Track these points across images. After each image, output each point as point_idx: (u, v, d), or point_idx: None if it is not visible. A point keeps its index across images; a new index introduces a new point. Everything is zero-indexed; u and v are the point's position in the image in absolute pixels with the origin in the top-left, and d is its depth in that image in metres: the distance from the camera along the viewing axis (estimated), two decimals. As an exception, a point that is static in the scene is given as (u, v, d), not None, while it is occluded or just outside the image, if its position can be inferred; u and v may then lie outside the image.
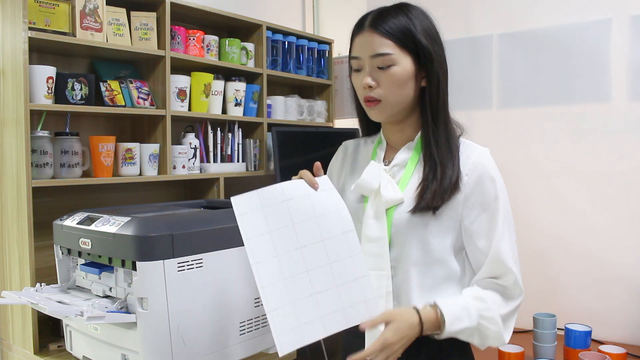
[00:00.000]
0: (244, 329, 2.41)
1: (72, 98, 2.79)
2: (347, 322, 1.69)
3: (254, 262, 1.69)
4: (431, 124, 1.83)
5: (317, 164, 1.79)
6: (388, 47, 1.77)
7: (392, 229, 1.78)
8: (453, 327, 1.70)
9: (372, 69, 1.79)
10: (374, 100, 1.81)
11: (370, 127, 2.02)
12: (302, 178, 1.77)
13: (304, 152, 3.77)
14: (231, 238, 2.33)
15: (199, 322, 2.24)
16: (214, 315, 2.29)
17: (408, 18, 1.80)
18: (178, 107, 3.26)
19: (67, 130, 2.86)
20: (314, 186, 1.74)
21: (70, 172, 2.77)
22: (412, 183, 1.82)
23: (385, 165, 1.90)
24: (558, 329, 2.85)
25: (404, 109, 1.84)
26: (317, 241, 1.70)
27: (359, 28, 1.83)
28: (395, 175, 1.85)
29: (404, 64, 1.78)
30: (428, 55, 1.80)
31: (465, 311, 1.71)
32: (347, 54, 1.93)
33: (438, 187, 1.76)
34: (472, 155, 1.83)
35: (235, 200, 1.73)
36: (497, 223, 1.78)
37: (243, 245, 2.20)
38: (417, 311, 1.69)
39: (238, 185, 3.71)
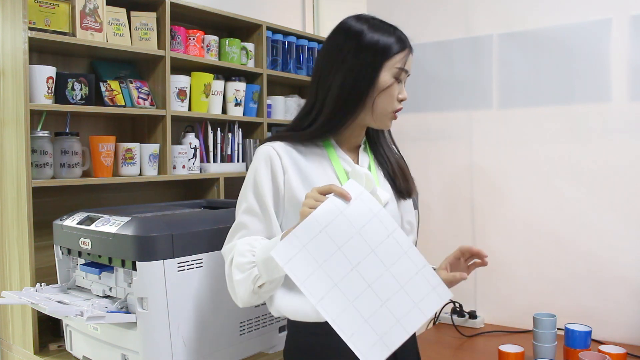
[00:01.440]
0: (244, 329, 2.40)
1: (72, 98, 2.79)
2: (425, 315, 1.68)
3: (316, 301, 1.63)
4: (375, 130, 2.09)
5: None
6: None
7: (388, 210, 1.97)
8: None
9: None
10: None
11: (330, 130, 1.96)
12: (331, 191, 1.66)
13: None
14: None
15: (199, 322, 2.24)
16: (214, 315, 2.28)
17: None
18: (178, 107, 3.27)
19: (67, 130, 2.86)
20: (347, 198, 1.64)
21: (70, 172, 2.77)
22: (380, 181, 2.03)
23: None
24: (558, 328, 2.84)
25: None
26: (368, 254, 1.66)
27: (410, 47, 1.92)
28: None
29: None
30: None
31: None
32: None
33: (402, 176, 2.06)
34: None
35: (275, 252, 1.64)
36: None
37: None
38: None
39: (238, 185, 3.68)
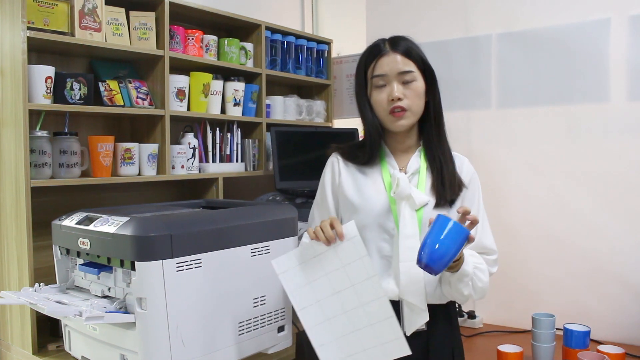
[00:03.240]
0: (243, 329, 2.40)
1: (71, 98, 2.79)
2: (386, 357, 1.95)
3: (299, 308, 2.01)
4: (435, 133, 2.24)
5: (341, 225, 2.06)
6: (410, 65, 2.18)
7: (422, 226, 2.12)
8: (466, 266, 2.06)
9: (399, 84, 2.17)
10: (402, 110, 2.17)
11: (374, 149, 2.28)
12: (331, 224, 1.99)
13: (303, 151, 3.77)
14: (230, 238, 2.33)
15: (198, 322, 2.23)
16: (213, 315, 2.28)
17: (415, 46, 2.21)
18: (177, 107, 3.27)
19: (66, 130, 2.86)
20: (341, 237, 1.97)
21: (69, 172, 2.78)
22: (427, 186, 2.20)
23: (402, 172, 2.23)
24: (557, 329, 2.84)
25: (416, 120, 2.23)
26: (348, 287, 1.97)
27: (379, 51, 2.20)
28: (411, 181, 2.20)
29: (421, 80, 2.20)
30: (433, 75, 2.22)
31: (468, 257, 2.09)
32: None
33: (450, 185, 2.17)
34: (464, 161, 2.29)
35: (275, 262, 2.03)
36: (484, 214, 2.27)
37: (242, 245, 2.36)
38: None
39: (237, 185, 3.71)
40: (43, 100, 2.67)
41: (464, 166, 2.27)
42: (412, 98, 2.18)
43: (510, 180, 3.38)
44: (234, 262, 2.35)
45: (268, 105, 3.94)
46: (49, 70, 2.69)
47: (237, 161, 3.68)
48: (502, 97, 3.41)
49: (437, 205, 2.17)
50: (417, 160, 2.25)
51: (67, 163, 2.77)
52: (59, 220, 2.44)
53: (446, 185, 2.18)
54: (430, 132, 2.25)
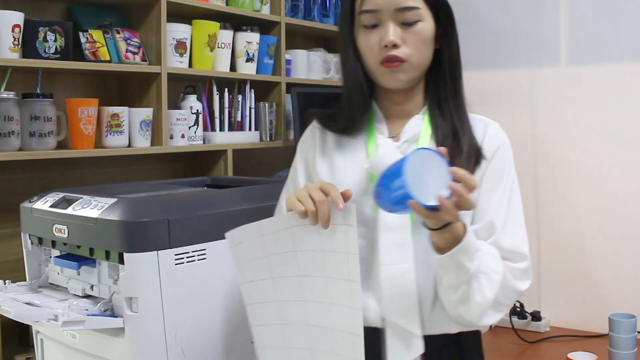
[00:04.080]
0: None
1: (45, 51, 2.79)
2: None
3: (243, 281, 1.89)
4: (448, 92, 1.96)
5: (349, 192, 1.77)
6: (415, 0, 1.88)
7: (415, 215, 1.80)
8: (463, 253, 1.73)
9: (396, 25, 1.88)
10: (397, 61, 1.88)
11: (361, 106, 2.04)
12: (328, 193, 1.74)
13: None
14: (242, 224, 2.28)
15: (202, 327, 2.25)
16: (221, 318, 2.30)
17: None
18: (176, 63, 3.28)
19: (38, 91, 2.85)
20: (337, 204, 1.70)
21: (41, 142, 2.78)
22: None
23: (393, 141, 1.97)
24: (638, 332, 2.83)
25: (420, 74, 1.95)
26: (319, 276, 1.79)
27: None
28: (405, 152, 1.85)
29: (429, 21, 1.90)
30: (449, 14, 1.93)
31: (476, 251, 1.76)
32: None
33: (462, 156, 1.88)
34: (489, 125, 1.99)
35: (230, 233, 1.89)
36: (513, 201, 1.94)
37: None
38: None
39: (250, 159, 3.73)
40: (9, 54, 2.67)
41: (488, 131, 1.96)
42: (414, 45, 1.89)
43: (582, 153, 3.36)
44: None
45: (288, 61, 3.96)
46: (17, 17, 2.69)
47: (250, 130, 3.72)
48: (573, 53, 3.42)
49: None
50: (418, 124, 1.97)
51: (40, 132, 2.77)
52: (30, 202, 2.45)
53: (456, 155, 1.86)
54: (441, 90, 1.96)
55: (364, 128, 2.01)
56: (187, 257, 2.18)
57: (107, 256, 2.18)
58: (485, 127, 1.96)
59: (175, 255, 2.15)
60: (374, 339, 1.82)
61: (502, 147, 1.95)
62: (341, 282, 1.76)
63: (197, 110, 3.40)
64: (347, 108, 2.01)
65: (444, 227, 1.67)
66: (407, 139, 1.94)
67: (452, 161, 1.73)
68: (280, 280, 1.84)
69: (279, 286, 1.85)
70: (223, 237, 2.20)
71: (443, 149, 1.63)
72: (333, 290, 1.78)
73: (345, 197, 1.71)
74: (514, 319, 3.38)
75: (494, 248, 1.83)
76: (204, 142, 3.48)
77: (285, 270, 1.83)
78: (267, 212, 2.39)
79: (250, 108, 3.70)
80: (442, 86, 1.96)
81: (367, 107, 2.01)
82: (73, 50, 2.91)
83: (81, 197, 2.30)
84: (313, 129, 2.11)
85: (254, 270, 1.87)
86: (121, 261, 2.11)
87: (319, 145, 2.07)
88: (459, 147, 1.88)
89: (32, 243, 2.47)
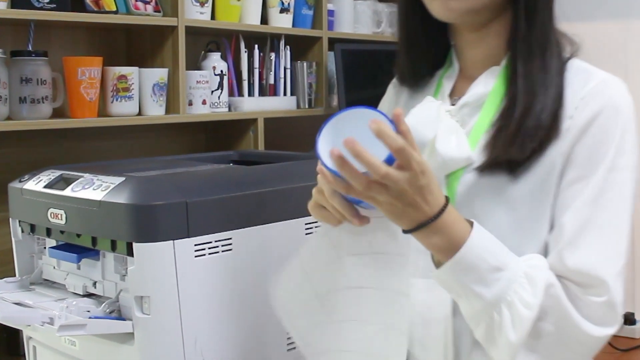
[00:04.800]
0: (294, 342, 2.35)
1: (38, 0, 2.78)
2: None
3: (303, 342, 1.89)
4: (523, 27, 1.70)
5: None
6: None
7: (457, 205, 1.63)
8: (464, 270, 1.54)
9: None
10: None
11: (425, 47, 1.88)
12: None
13: (382, 80, 3.74)
14: (275, 208, 2.32)
15: (227, 331, 2.23)
16: (249, 321, 2.29)
17: None
18: (196, 14, 3.31)
19: (30, 49, 2.85)
20: (379, 169, 1.43)
21: (34, 110, 2.78)
22: (488, 130, 1.71)
23: (451, 104, 1.80)
24: None
25: (488, 4, 1.70)
26: (374, 287, 1.74)
27: None
28: (465, 121, 1.74)
29: None
30: None
31: (495, 271, 1.55)
32: None
33: (517, 128, 1.63)
34: (590, 80, 1.69)
35: (274, 289, 1.90)
36: (606, 197, 1.61)
37: (292, 217, 2.33)
38: (448, 200, 1.56)
39: (285, 129, 3.76)
40: (-5, 3, 2.68)
41: (588, 87, 1.67)
42: None
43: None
44: (280, 243, 2.33)
45: (331, 12, 3.99)
46: (4, -42, 2.70)
47: (285, 94, 3.75)
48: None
49: (488, 167, 1.65)
50: (489, 81, 1.76)
51: (32, 97, 2.77)
52: (20, 181, 2.44)
53: (505, 128, 1.65)
54: (527, 31, 1.71)
55: (432, 82, 1.88)
56: (209, 248, 2.14)
57: (113, 247, 2.14)
58: (585, 82, 1.68)
59: (195, 245, 2.11)
60: None
61: (604, 114, 1.63)
62: (395, 294, 1.70)
63: (222, 71, 3.41)
64: (404, 51, 1.90)
65: (420, 227, 1.50)
66: (466, 102, 1.75)
67: (499, 134, 1.63)
68: (328, 295, 1.80)
69: (328, 302, 1.80)
70: (252, 224, 2.23)
71: (398, 110, 1.44)
72: (388, 307, 1.71)
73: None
74: (604, 322, 3.38)
75: (541, 267, 1.58)
76: (230, 110, 3.50)
77: (333, 283, 1.78)
78: (306, 193, 2.36)
79: (285, 69, 3.72)
80: (526, 26, 1.70)
81: (422, 50, 1.87)
82: (72, -1, 2.92)
83: (82, 176, 2.27)
84: (390, 86, 2.05)
85: (291, 285, 1.86)
86: (130, 253, 2.07)
87: (393, 104, 1.99)
88: (529, 116, 1.63)
89: (22, 231, 2.45)
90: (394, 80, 2.01)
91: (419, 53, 1.87)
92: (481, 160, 1.65)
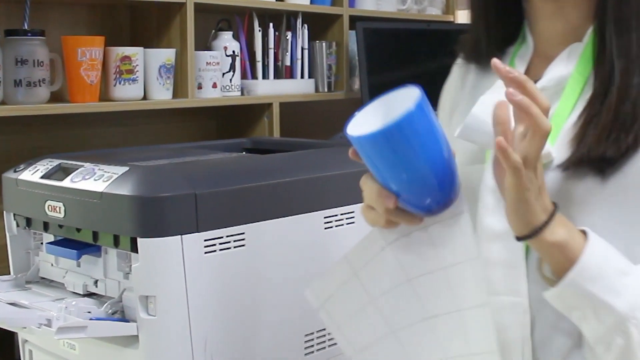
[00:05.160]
0: (312, 346, 2.43)
1: None
2: None
3: (354, 352, 1.72)
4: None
5: None
6: None
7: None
8: (589, 278, 1.41)
9: None
10: None
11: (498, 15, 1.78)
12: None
13: (407, 62, 3.77)
14: (291, 200, 2.34)
15: (240, 334, 2.25)
16: (264, 323, 2.31)
17: None
18: None
19: (26, 27, 2.86)
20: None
21: (30, 93, 2.78)
22: (571, 119, 1.57)
23: None
24: None
25: None
26: (452, 311, 1.60)
27: None
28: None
29: None
30: None
31: (621, 274, 1.43)
32: None
33: (613, 118, 1.48)
34: None
35: (311, 289, 1.74)
36: None
37: (310, 210, 2.35)
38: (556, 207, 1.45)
39: (302, 114, 3.75)
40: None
41: None
42: None
43: None
44: (297, 239, 2.36)
45: None
46: None
47: (302, 77, 3.76)
48: None
49: (575, 166, 1.50)
50: (570, 61, 1.63)
51: (28, 80, 2.76)
52: (15, 171, 2.45)
53: (596, 118, 1.50)
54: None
55: (503, 61, 1.62)
56: (220, 244, 2.16)
57: (116, 242, 2.16)
58: None
59: (205, 241, 2.12)
60: None
61: None
62: (475, 311, 1.58)
63: (234, 51, 3.42)
64: (473, 23, 1.83)
65: (536, 233, 1.40)
66: (543, 87, 1.58)
67: (589, 124, 1.49)
68: (404, 332, 1.66)
69: (406, 341, 1.66)
70: (266, 218, 2.24)
71: (495, 61, 1.38)
72: (471, 329, 1.59)
73: None
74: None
75: None
76: (242, 94, 3.51)
77: (406, 315, 1.65)
78: (327, 184, 2.36)
79: (302, 49, 3.73)
80: None
81: (492, 22, 1.78)
82: (71, -27, 2.92)
83: (82, 165, 2.29)
84: (454, 67, 1.93)
85: (363, 329, 1.70)
86: (134, 249, 2.09)
87: (459, 87, 1.88)
88: (609, 101, 1.50)
89: (17, 225, 2.47)
90: (459, 60, 1.90)
91: (489, 26, 1.77)
92: (564, 157, 1.51)
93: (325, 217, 2.38)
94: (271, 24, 3.61)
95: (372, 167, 1.47)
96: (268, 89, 3.56)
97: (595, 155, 1.46)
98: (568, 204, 1.50)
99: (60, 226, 2.31)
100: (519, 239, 1.42)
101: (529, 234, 1.39)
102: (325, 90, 3.77)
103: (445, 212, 1.53)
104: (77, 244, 2.30)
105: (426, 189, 1.46)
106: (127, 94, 3.05)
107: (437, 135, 1.43)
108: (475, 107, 1.52)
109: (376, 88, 3.63)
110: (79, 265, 2.32)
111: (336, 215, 2.40)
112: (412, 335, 1.64)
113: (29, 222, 2.44)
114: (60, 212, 2.25)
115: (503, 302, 1.56)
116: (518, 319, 1.56)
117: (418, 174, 1.42)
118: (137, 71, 3.06)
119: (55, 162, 2.39)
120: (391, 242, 1.61)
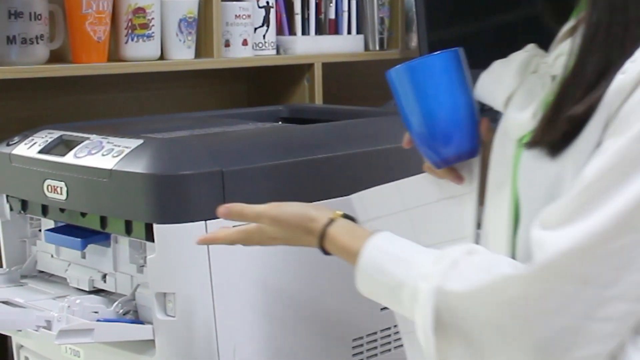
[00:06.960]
0: (362, 351, 2.44)
1: None
2: None
3: (367, 219, 2.07)
4: None
5: None
6: None
7: (520, 173, 1.74)
8: (374, 268, 1.76)
9: None
10: None
11: None
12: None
13: (470, 16, 3.77)
14: (335, 179, 2.37)
15: (274, 339, 2.27)
16: (304, 324, 2.32)
17: None
18: None
19: None
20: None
21: (26, 52, 2.79)
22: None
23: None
24: None
25: None
26: (465, 193, 1.99)
27: None
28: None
29: None
30: None
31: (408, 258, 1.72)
32: None
33: (580, 79, 1.58)
34: None
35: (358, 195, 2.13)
36: (617, 169, 1.48)
37: (358, 191, 2.30)
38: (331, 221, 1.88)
39: (349, 77, 3.74)
40: None
41: None
42: None
43: None
44: None
45: None
46: None
47: (349, 33, 3.77)
48: None
49: (531, 142, 1.66)
50: (562, 44, 1.76)
51: (23, 36, 2.77)
52: (8, 145, 2.48)
53: (564, 94, 1.60)
54: None
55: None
56: (252, 231, 2.17)
57: (128, 229, 2.18)
58: None
59: (234, 227, 2.04)
60: None
61: None
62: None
63: (267, 2, 3.43)
64: None
65: (324, 252, 1.90)
66: (561, 52, 1.72)
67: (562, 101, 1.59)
68: (417, 209, 2.06)
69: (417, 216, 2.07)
70: (306, 199, 2.17)
71: None
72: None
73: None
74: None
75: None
76: (279, 53, 3.53)
77: (423, 197, 2.06)
78: (379, 160, 2.36)
79: (349, 0, 3.70)
80: None
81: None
82: None
83: (87, 138, 2.30)
84: None
85: (382, 205, 2.10)
86: (150, 237, 2.10)
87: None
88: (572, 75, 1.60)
89: (11, 209, 2.50)
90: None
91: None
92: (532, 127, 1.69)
93: (375, 199, 2.38)
94: (312, -29, 3.62)
95: (399, 105, 1.95)
96: (308, 46, 3.57)
97: (542, 139, 1.64)
98: (542, 180, 1.66)
99: (62, 210, 2.33)
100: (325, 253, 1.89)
101: (325, 253, 1.86)
102: (377, 48, 3.78)
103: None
104: (82, 232, 2.32)
105: (439, 132, 1.85)
106: (141, 52, 3.06)
107: (454, 86, 1.84)
108: (483, 75, 1.86)
109: (437, 46, 3.62)
110: (84, 257, 2.34)
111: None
112: (423, 213, 2.04)
113: (24, 205, 2.45)
114: (61, 194, 2.25)
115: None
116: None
117: (432, 114, 1.85)
118: (153, 25, 3.05)
119: (56, 133, 2.41)
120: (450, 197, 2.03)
